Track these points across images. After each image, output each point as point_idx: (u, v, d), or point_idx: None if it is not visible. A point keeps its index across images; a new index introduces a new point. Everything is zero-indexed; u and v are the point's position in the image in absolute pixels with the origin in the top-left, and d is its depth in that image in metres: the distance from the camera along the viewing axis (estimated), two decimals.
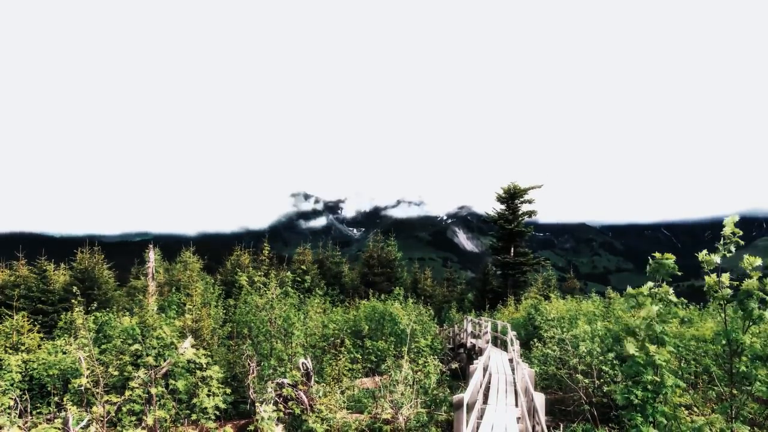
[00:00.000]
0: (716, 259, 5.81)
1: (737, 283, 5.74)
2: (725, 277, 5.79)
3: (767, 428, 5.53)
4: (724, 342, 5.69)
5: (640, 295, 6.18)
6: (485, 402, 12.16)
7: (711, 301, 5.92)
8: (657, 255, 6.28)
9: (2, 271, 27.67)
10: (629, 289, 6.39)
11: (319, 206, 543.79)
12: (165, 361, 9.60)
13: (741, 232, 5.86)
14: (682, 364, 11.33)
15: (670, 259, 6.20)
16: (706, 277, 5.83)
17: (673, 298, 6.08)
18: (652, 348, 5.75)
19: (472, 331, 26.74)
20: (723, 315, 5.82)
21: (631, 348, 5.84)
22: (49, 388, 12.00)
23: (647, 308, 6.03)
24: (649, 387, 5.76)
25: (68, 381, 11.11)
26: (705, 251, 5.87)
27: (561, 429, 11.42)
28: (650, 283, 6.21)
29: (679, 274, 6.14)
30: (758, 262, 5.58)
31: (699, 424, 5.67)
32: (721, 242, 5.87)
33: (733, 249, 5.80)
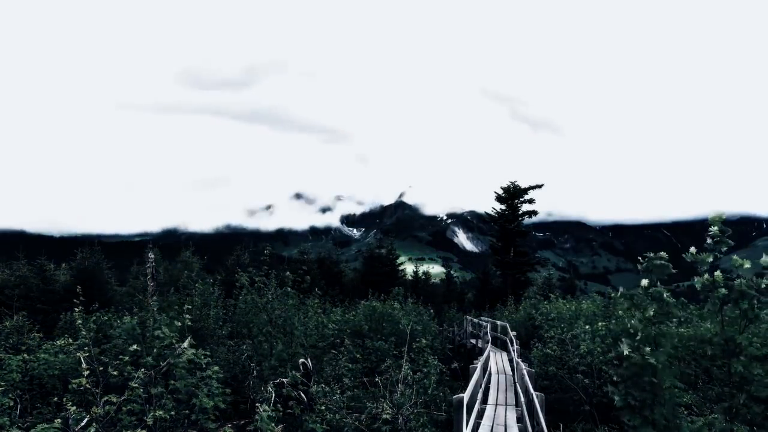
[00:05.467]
0: (709, 258, 5.67)
1: (732, 282, 5.61)
2: (719, 277, 5.63)
3: (767, 428, 5.51)
4: (721, 342, 5.64)
5: (636, 295, 6.08)
6: (485, 402, 12.18)
7: (708, 300, 5.80)
8: (651, 255, 6.15)
9: (2, 271, 27.67)
10: (621, 290, 6.30)
11: (319, 206, 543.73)
12: (164, 361, 9.60)
13: (730, 231, 5.72)
14: (681, 365, 11.35)
15: (663, 257, 6.05)
16: (696, 277, 5.69)
17: (669, 299, 5.98)
18: (647, 350, 5.68)
19: (472, 331, 26.74)
20: (720, 315, 5.75)
21: (625, 349, 5.77)
22: (49, 388, 12.01)
23: (644, 308, 5.94)
24: (647, 388, 5.71)
25: (68, 381, 11.12)
26: (693, 249, 5.73)
27: (561, 429, 11.43)
28: (644, 282, 6.05)
29: (674, 271, 5.94)
30: (747, 264, 5.47)
31: (698, 424, 5.65)
32: (710, 241, 5.72)
33: (723, 249, 5.67)
